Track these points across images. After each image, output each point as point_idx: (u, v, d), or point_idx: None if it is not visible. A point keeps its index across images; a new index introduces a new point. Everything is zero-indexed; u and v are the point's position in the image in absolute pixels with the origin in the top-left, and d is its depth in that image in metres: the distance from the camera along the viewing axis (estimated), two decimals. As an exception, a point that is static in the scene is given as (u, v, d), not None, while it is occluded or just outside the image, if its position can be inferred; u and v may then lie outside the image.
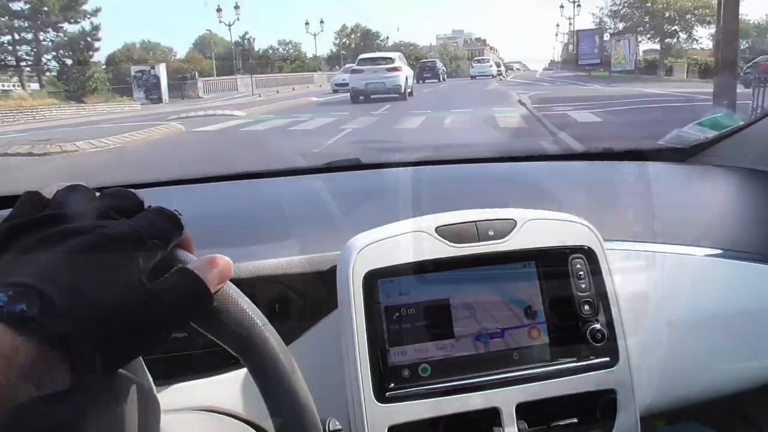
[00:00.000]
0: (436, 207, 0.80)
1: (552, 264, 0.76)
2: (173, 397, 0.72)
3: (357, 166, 1.24)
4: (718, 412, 0.95)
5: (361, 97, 13.66)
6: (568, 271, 0.76)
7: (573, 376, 0.73)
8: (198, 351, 0.76)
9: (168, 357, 0.75)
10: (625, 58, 25.62)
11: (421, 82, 21.21)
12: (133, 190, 0.45)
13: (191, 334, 0.75)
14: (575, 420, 0.72)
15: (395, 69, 14.19)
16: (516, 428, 0.70)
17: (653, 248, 0.94)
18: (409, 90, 14.45)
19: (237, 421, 0.70)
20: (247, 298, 0.49)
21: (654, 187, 1.19)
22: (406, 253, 0.72)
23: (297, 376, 0.48)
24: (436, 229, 0.73)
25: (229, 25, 26.83)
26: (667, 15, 28.19)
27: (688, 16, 27.66)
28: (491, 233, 0.74)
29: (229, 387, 0.72)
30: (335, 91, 17.40)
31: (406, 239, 0.73)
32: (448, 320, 0.73)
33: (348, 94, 14.53)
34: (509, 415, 0.70)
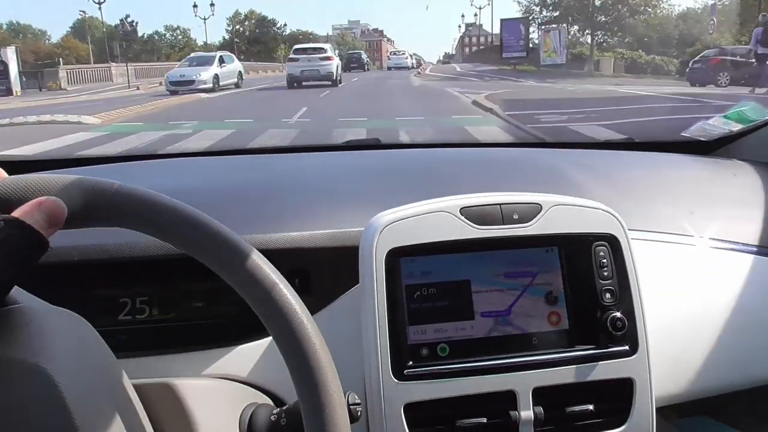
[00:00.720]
0: (458, 189, 0.79)
1: (575, 250, 0.76)
2: (191, 364, 0.72)
3: (377, 145, 1.24)
4: (731, 407, 0.94)
5: (295, 84, 15.98)
6: (591, 258, 0.75)
7: (591, 363, 0.73)
8: (216, 320, 0.77)
9: (186, 325, 0.76)
10: (556, 51, 23.83)
11: (348, 71, 22.52)
12: None
13: (209, 303, 0.76)
14: (591, 407, 0.72)
15: (328, 58, 16.44)
16: (531, 412, 0.70)
17: (674, 239, 0.94)
18: (339, 78, 16.71)
19: (254, 389, 0.71)
20: (277, 271, 0.49)
21: (676, 179, 1.17)
22: (429, 233, 0.72)
23: (324, 349, 0.49)
24: (460, 210, 0.73)
25: (99, 3, 22.04)
26: (599, 3, 26.47)
27: (620, 6, 26.07)
28: (515, 216, 0.74)
29: (247, 357, 0.73)
30: (172, 92, 14.19)
31: (430, 219, 0.72)
32: (469, 301, 0.73)
33: (231, 90, 15.93)
34: (525, 399, 0.70)
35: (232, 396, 0.67)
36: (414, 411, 0.68)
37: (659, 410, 0.79)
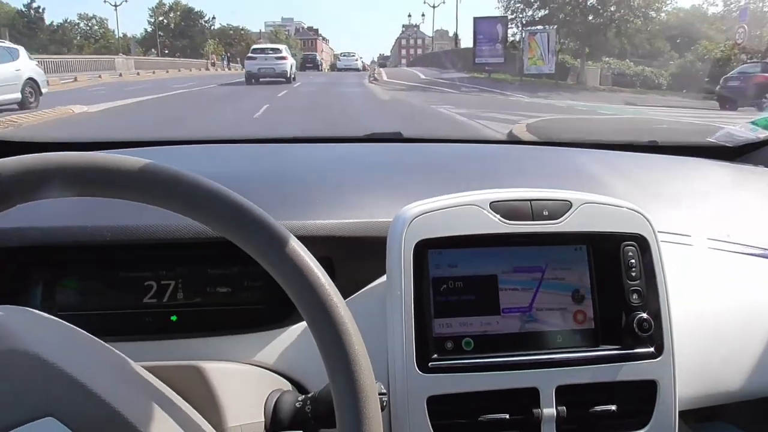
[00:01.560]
0: (483, 184, 0.79)
1: (604, 249, 0.75)
2: (216, 348, 0.72)
3: (399, 139, 1.23)
4: (749, 413, 0.93)
5: (253, 80, 17.61)
6: (620, 258, 0.75)
7: (615, 364, 0.72)
8: (242, 306, 0.77)
9: (212, 310, 0.76)
10: (543, 58, 19.96)
11: (303, 70, 23.89)
12: None
13: (235, 289, 0.77)
14: (614, 408, 0.72)
15: (283, 58, 18.49)
16: (554, 410, 0.70)
17: (699, 242, 0.93)
18: (293, 75, 18.90)
19: (279, 376, 0.71)
20: (315, 259, 0.49)
21: (701, 183, 1.16)
22: (458, 226, 0.71)
23: (359, 339, 0.49)
24: (490, 204, 0.72)
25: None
26: (594, 1, 22.12)
27: (619, 6, 21.98)
28: (545, 213, 0.73)
29: (273, 344, 0.73)
30: None
31: (459, 212, 0.72)
32: (495, 296, 0.72)
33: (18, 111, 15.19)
34: (548, 397, 0.70)
35: (257, 382, 0.67)
36: (437, 404, 0.68)
37: (680, 414, 0.78)
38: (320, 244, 0.77)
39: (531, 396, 0.70)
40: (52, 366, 0.42)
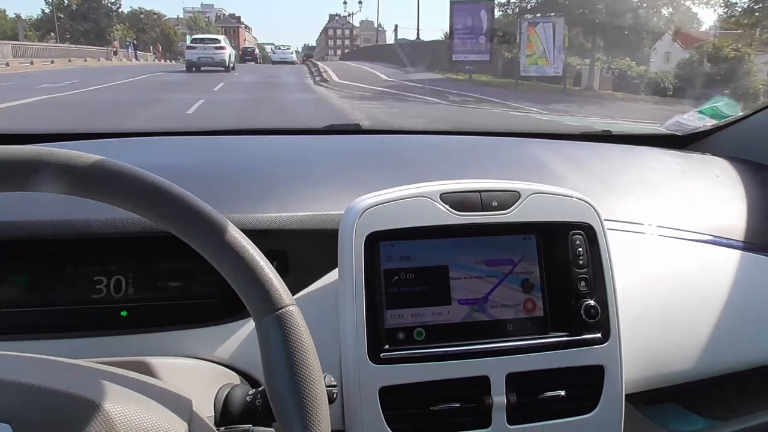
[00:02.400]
0: (438, 175, 0.79)
1: (552, 238, 0.77)
2: (166, 344, 0.72)
3: (357, 130, 1.23)
4: (695, 394, 0.97)
5: (194, 68, 18.88)
6: (568, 247, 0.76)
7: (564, 350, 0.74)
8: (192, 300, 0.76)
9: (162, 305, 0.75)
10: (546, 56, 14.78)
11: (243, 62, 24.19)
12: None
13: (186, 284, 0.75)
14: (563, 393, 0.73)
15: (221, 48, 19.80)
16: (504, 397, 0.71)
17: (646, 230, 0.96)
18: (232, 65, 20.06)
19: (229, 370, 0.70)
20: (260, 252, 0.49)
21: (649, 172, 1.19)
22: (408, 218, 0.72)
23: (306, 330, 0.49)
24: (440, 196, 0.73)
25: None
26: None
27: None
28: (494, 204, 0.74)
29: (223, 338, 0.72)
30: None
31: (410, 204, 0.72)
32: (446, 287, 0.73)
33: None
34: (499, 385, 0.71)
35: (207, 376, 0.67)
36: (389, 394, 0.68)
37: (628, 397, 0.80)
38: (274, 237, 0.77)
39: (482, 384, 0.71)
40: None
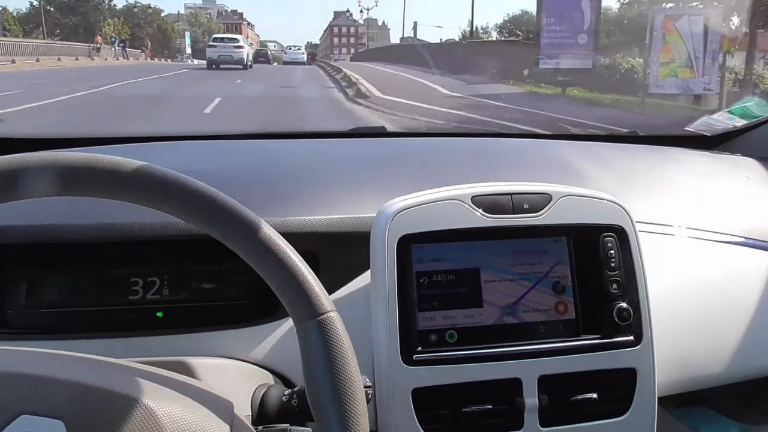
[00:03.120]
0: (466, 178, 0.80)
1: (583, 241, 0.77)
2: (202, 344, 0.73)
3: (383, 133, 1.24)
4: (728, 397, 0.96)
5: (214, 66, 19.78)
6: (599, 249, 0.76)
7: (596, 353, 0.74)
8: (227, 302, 0.77)
9: (197, 306, 0.76)
10: (691, 64, 9.52)
11: (256, 62, 23.78)
12: None
13: (220, 285, 0.77)
14: (595, 396, 0.73)
15: (240, 47, 20.90)
16: (536, 399, 0.71)
17: (676, 231, 0.95)
18: (249, 63, 20.82)
19: (264, 371, 0.72)
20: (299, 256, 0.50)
21: (677, 173, 1.18)
22: (440, 220, 0.72)
23: (346, 334, 0.49)
24: (471, 199, 0.73)
25: None
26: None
27: None
28: (526, 206, 0.74)
29: (258, 339, 0.74)
30: None
31: (442, 206, 0.73)
32: (478, 289, 0.73)
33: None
34: (530, 387, 0.71)
35: (243, 376, 0.68)
36: (422, 396, 0.69)
37: (660, 399, 0.80)
38: (305, 240, 0.78)
39: (514, 386, 0.71)
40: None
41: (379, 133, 1.24)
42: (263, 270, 0.50)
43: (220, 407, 0.50)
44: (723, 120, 1.35)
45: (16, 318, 0.73)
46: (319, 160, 1.06)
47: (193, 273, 0.77)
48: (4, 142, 1.11)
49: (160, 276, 0.76)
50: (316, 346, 0.48)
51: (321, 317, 0.49)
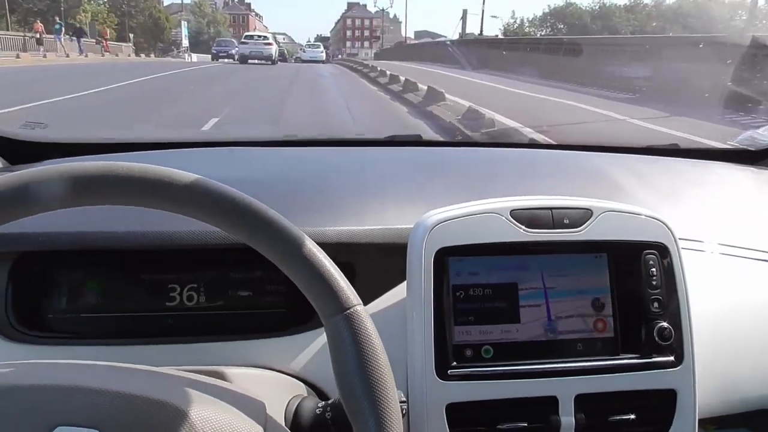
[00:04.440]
0: (502, 189, 0.79)
1: (624, 257, 0.75)
2: (237, 353, 0.74)
3: (419, 142, 1.23)
4: None
5: (248, 60, 22.53)
6: (640, 266, 0.75)
7: (635, 372, 0.72)
8: (263, 310, 0.78)
9: (232, 314, 0.77)
10: None
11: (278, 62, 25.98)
12: None
13: (256, 294, 0.78)
14: (633, 416, 0.72)
15: (269, 44, 24.00)
16: (573, 418, 0.70)
17: (715, 249, 0.92)
18: (276, 60, 23.70)
19: (299, 381, 0.72)
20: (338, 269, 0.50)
21: (721, 188, 1.15)
22: (478, 234, 0.71)
23: (382, 347, 0.49)
24: (510, 212, 0.72)
25: None
26: None
27: None
28: (566, 221, 0.73)
29: (293, 349, 0.74)
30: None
31: (480, 220, 0.72)
32: (515, 304, 0.73)
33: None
34: (567, 405, 0.70)
35: (278, 386, 0.68)
36: (456, 411, 0.68)
37: (699, 421, 0.78)
38: (341, 250, 0.78)
39: (550, 404, 0.70)
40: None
41: (416, 141, 1.24)
42: (289, 268, 0.50)
43: (253, 409, 0.51)
44: (768, 134, 1.32)
45: (58, 322, 0.75)
46: (355, 169, 1.06)
47: (230, 280, 0.78)
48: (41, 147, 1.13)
49: (197, 283, 0.77)
50: (345, 339, 0.49)
51: (348, 311, 0.49)
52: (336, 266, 0.51)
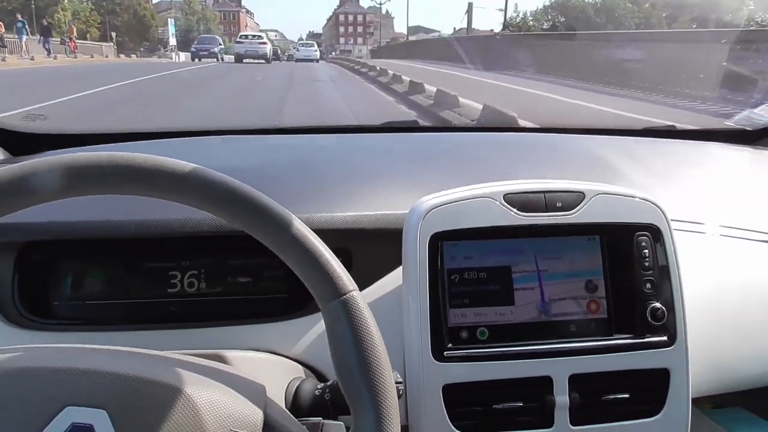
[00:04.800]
0: (498, 173, 0.79)
1: (617, 239, 0.76)
2: (238, 337, 0.75)
3: (415, 127, 1.24)
4: (765, 399, 0.94)
5: (244, 59, 22.95)
6: (633, 248, 0.76)
7: (629, 353, 0.73)
8: (262, 296, 0.79)
9: (233, 300, 0.79)
10: None
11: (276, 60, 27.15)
12: None
13: (256, 279, 0.79)
14: (627, 396, 0.73)
15: (263, 43, 24.55)
16: (567, 398, 0.71)
17: (709, 230, 0.93)
18: (271, 59, 24.17)
19: (298, 364, 0.73)
20: (330, 251, 0.51)
21: (717, 169, 1.16)
22: (472, 218, 0.72)
23: (377, 330, 0.50)
24: (504, 197, 0.73)
25: None
26: None
27: None
28: (559, 204, 0.74)
29: (292, 333, 0.75)
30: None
31: (474, 204, 0.73)
32: (509, 287, 0.74)
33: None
34: (562, 385, 0.71)
35: (278, 369, 0.70)
36: (452, 392, 0.70)
37: (694, 400, 0.79)
38: (338, 236, 0.79)
39: (545, 384, 0.71)
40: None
41: (412, 127, 1.24)
42: (286, 255, 0.51)
43: (253, 391, 0.52)
44: (765, 114, 1.32)
45: (63, 309, 0.77)
46: (350, 155, 1.07)
47: (229, 267, 0.79)
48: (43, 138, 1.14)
49: (197, 269, 0.79)
50: (341, 324, 0.50)
51: (345, 296, 0.50)
52: (332, 252, 0.52)
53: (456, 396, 0.70)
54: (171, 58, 25.37)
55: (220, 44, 27.58)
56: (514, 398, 0.71)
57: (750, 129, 1.32)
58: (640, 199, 0.77)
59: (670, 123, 1.37)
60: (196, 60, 25.24)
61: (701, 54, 9.69)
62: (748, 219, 0.97)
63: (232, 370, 0.59)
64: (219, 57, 26.35)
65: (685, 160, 1.17)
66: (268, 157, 1.05)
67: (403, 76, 11.65)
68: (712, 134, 1.35)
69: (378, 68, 15.11)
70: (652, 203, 0.77)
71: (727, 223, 0.95)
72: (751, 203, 1.03)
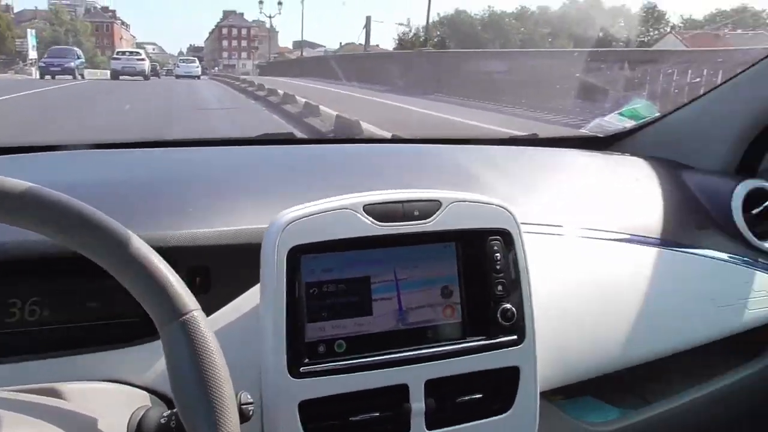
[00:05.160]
0: (367, 184, 0.80)
1: (471, 245, 0.79)
2: (82, 367, 0.70)
3: (291, 140, 1.23)
4: (609, 385, 1.02)
5: (120, 76, 21.83)
6: (486, 252, 0.79)
7: (481, 354, 0.76)
8: (110, 320, 0.74)
9: (79, 327, 0.73)
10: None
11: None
12: None
13: (103, 304, 0.74)
14: (480, 396, 0.76)
15: (142, 60, 23.66)
16: (423, 404, 0.73)
17: (564, 231, 1.00)
18: (149, 75, 23.46)
19: (146, 392, 0.70)
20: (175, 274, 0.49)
21: (571, 174, 1.24)
22: (331, 230, 0.72)
23: (218, 347, 0.49)
24: (363, 207, 0.74)
25: None
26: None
27: None
28: (416, 213, 0.76)
29: (140, 359, 0.71)
30: None
31: (333, 216, 0.73)
32: (368, 297, 0.74)
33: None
34: (418, 392, 0.73)
35: (121, 399, 0.66)
36: (309, 407, 0.69)
37: (545, 393, 0.84)
38: (196, 254, 0.76)
39: (401, 392, 0.72)
40: None
41: (288, 139, 1.23)
42: (122, 275, 0.49)
43: (85, 425, 0.49)
44: (614, 121, 1.44)
45: None
46: (221, 169, 1.04)
47: (76, 292, 0.74)
48: None
49: (40, 296, 0.73)
50: (180, 345, 0.48)
51: (185, 317, 0.48)
52: (172, 270, 0.50)
53: (313, 411, 0.69)
54: (30, 74, 22.49)
55: (79, 57, 23.16)
56: (370, 409, 0.71)
57: (602, 135, 1.44)
58: (494, 205, 0.80)
59: (533, 132, 1.45)
60: (47, 77, 20.11)
61: (564, 69, 11.09)
62: (602, 220, 1.05)
63: (65, 405, 0.55)
64: (77, 74, 21.86)
65: (544, 166, 1.25)
66: (127, 172, 0.99)
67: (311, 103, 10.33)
68: (571, 141, 1.46)
69: (281, 93, 13.20)
70: (503, 208, 0.80)
71: (580, 224, 1.02)
72: (604, 205, 1.12)
